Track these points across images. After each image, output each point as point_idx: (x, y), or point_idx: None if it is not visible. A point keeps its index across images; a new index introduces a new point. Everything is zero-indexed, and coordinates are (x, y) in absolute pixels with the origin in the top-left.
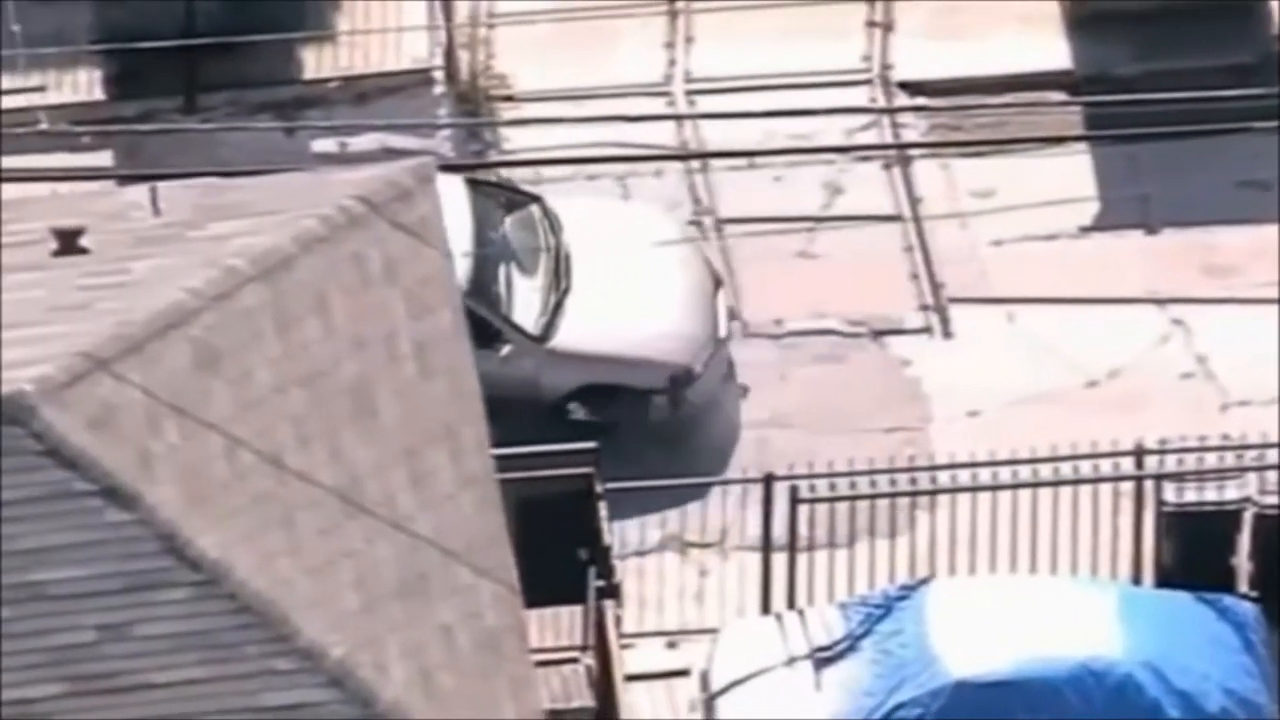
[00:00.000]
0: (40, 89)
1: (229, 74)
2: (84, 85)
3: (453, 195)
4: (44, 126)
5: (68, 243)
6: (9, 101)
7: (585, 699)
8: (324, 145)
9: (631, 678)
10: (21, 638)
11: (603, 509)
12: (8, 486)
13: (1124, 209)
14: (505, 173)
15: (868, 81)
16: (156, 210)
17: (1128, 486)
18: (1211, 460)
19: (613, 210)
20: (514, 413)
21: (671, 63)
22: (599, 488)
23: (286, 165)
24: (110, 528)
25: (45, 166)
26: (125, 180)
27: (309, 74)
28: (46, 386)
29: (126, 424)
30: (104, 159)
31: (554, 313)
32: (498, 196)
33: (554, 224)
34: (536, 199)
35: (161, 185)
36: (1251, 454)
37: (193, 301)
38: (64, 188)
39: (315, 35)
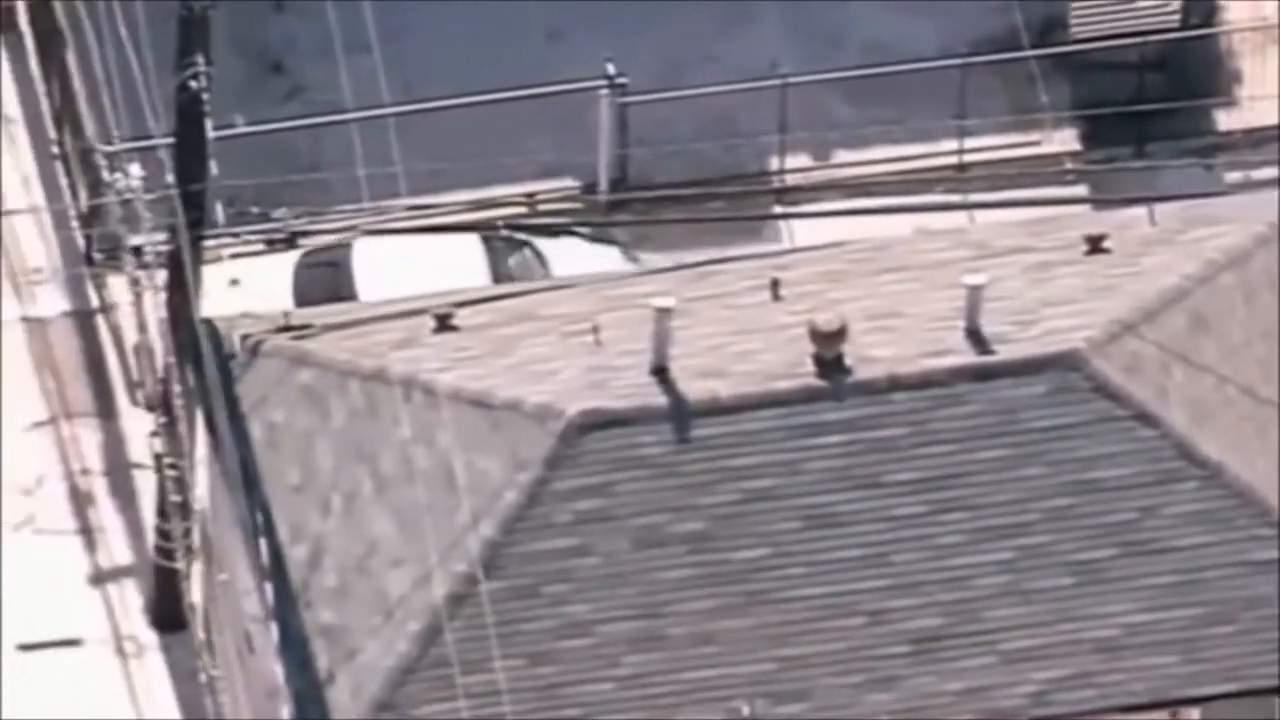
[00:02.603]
0: (1038, 143)
1: (1166, 129)
2: (1061, 140)
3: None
4: (1069, 166)
5: (1095, 245)
6: (1029, 150)
7: None
8: (1232, 176)
9: None
10: (1085, 516)
11: None
12: (1071, 415)
13: None
14: None
15: None
16: (1153, 222)
17: None
18: None
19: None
20: None
21: None
22: None
23: (1207, 193)
24: (1141, 440)
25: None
26: (1097, 205)
27: (1220, 127)
28: (1093, 344)
29: (1148, 369)
30: (1080, 190)
31: None
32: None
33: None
34: (527, 242)
35: (1157, 205)
36: None
37: (1185, 284)
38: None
39: (1224, 101)
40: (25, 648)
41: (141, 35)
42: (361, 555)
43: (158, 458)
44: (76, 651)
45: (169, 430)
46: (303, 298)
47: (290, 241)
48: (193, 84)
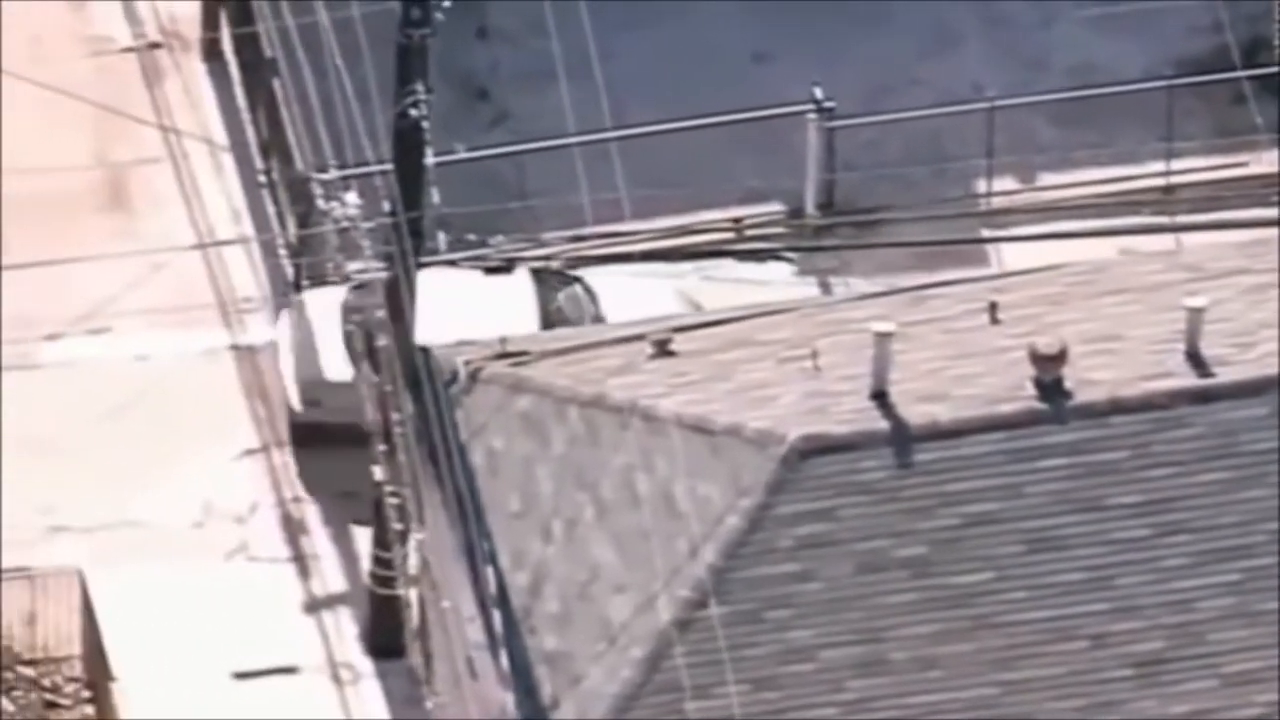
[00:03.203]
0: (1245, 164)
1: None
2: (1268, 160)
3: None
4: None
5: None
6: (1236, 171)
7: None
8: None
9: None
10: None
11: None
12: None
13: None
14: None
15: None
16: None
17: None
18: None
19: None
20: None
21: None
22: None
23: None
24: None
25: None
26: None
27: None
28: None
29: None
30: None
31: None
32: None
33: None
34: (578, 278)
35: None
36: None
37: None
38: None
39: None
40: (241, 676)
41: (352, 64)
42: (584, 581)
43: (378, 485)
44: (292, 679)
45: (389, 457)
46: (350, 327)
47: (507, 269)
48: (413, 112)
